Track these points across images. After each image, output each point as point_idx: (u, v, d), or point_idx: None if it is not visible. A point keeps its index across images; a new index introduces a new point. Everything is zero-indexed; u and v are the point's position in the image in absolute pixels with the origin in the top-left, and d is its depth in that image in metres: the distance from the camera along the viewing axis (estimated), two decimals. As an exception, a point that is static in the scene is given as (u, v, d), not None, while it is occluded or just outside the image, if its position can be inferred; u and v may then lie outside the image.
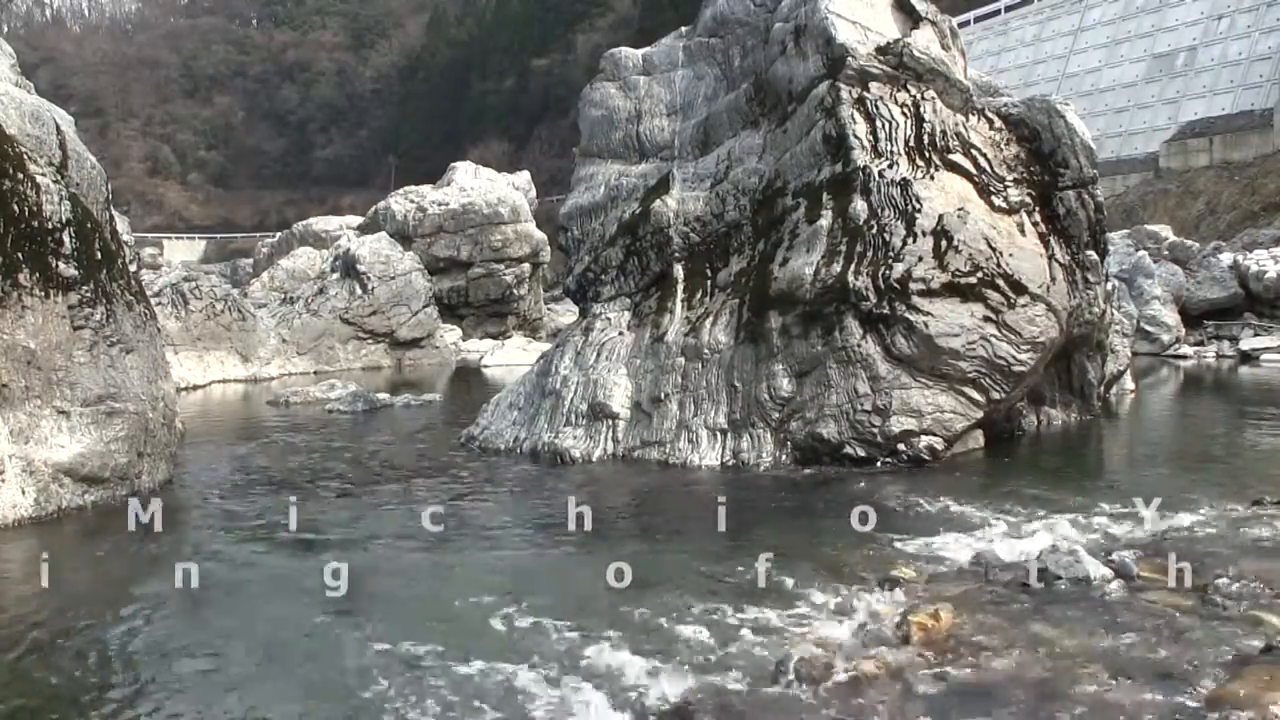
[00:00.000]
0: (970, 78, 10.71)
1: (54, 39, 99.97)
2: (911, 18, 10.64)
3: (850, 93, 9.61)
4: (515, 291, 28.75)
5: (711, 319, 9.81)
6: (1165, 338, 19.50)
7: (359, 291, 22.82)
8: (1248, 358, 18.46)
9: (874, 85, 9.70)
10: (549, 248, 29.09)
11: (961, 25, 28.68)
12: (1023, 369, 8.90)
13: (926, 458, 8.59)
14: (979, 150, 9.68)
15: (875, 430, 8.62)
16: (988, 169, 9.60)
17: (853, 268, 8.95)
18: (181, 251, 69.88)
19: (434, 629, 4.89)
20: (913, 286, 8.73)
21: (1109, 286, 11.14)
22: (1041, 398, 10.57)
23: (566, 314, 26.46)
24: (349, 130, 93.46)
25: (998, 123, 9.99)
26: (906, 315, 8.66)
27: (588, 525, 7.27)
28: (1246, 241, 23.99)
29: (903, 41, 10.05)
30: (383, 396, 15.20)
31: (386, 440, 11.78)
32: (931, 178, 9.32)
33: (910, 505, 7.14)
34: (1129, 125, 37.23)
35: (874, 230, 9.07)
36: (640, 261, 10.74)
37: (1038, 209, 9.67)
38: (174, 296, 19.62)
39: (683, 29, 12.21)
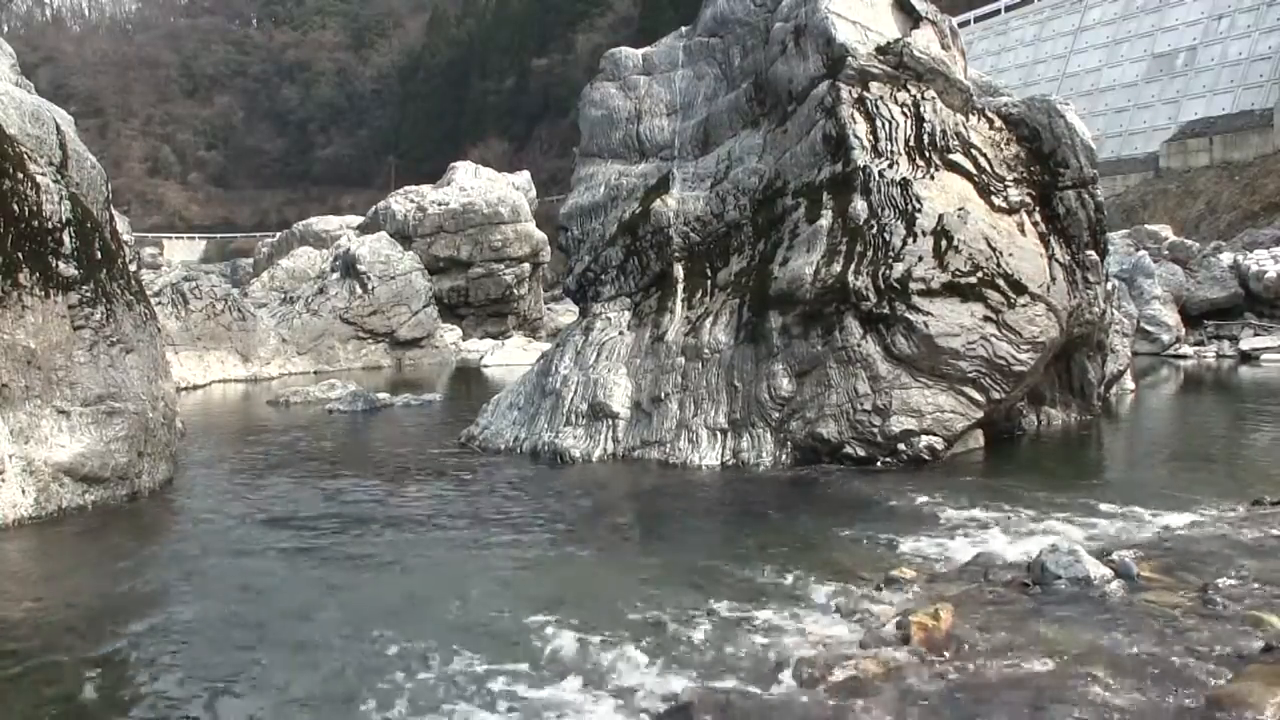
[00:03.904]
0: (970, 78, 10.71)
1: (54, 39, 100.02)
2: (911, 17, 10.64)
3: (850, 92, 9.61)
4: (515, 291, 28.76)
5: (711, 319, 9.81)
6: (1165, 337, 19.50)
7: (359, 291, 22.82)
8: (1248, 358, 18.46)
9: (874, 85, 9.70)
10: (549, 248, 29.11)
11: (961, 25, 28.69)
12: (1023, 369, 8.90)
13: (926, 457, 8.59)
14: (979, 150, 9.68)
15: (875, 430, 8.62)
16: (988, 169, 9.60)
17: (853, 267, 8.95)
18: (181, 251, 69.97)
19: (432, 626, 4.89)
20: (913, 286, 8.73)
21: (1109, 286, 11.13)
22: (1041, 397, 10.57)
23: (566, 314, 26.47)
24: (349, 130, 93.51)
25: (998, 123, 9.99)
26: (906, 315, 8.66)
27: (587, 525, 7.27)
28: (1246, 241, 24.00)
29: (903, 41, 10.04)
30: (383, 396, 15.20)
31: (386, 440, 11.78)
32: (931, 177, 9.32)
33: (910, 505, 7.14)
34: (1129, 125, 37.24)
35: (874, 230, 9.07)
36: (640, 261, 10.74)
37: (1038, 209, 9.67)
38: (174, 296, 19.63)
39: (683, 29, 12.20)
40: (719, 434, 9.19)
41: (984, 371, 8.77)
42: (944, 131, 9.59)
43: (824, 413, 8.78)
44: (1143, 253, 20.95)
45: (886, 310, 8.72)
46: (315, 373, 20.75)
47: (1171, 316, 19.88)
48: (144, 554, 6.70)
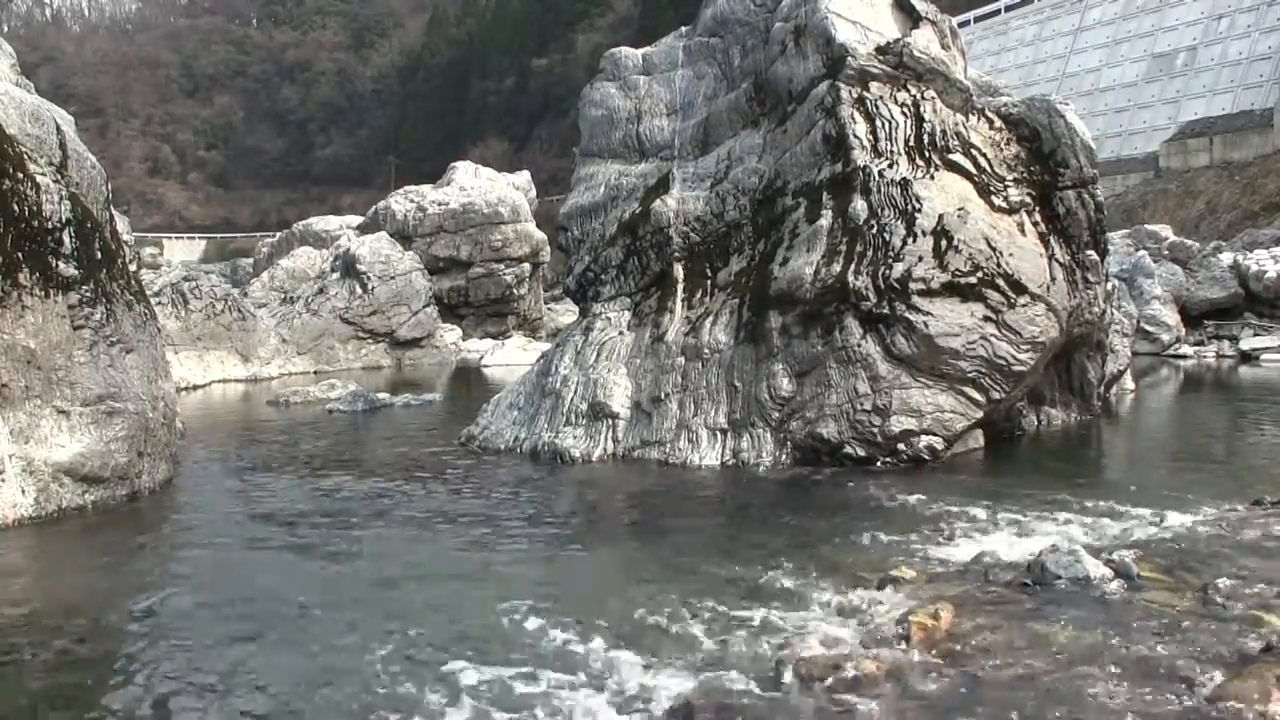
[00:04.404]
0: (970, 78, 10.71)
1: (54, 39, 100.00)
2: (911, 17, 10.64)
3: (850, 92, 9.61)
4: (515, 291, 28.76)
5: (711, 319, 9.81)
6: (1165, 337, 19.50)
7: (359, 291, 22.83)
8: (1248, 358, 18.46)
9: (874, 85, 9.70)
10: (549, 248, 29.10)
11: (961, 25, 28.69)
12: (1023, 369, 8.90)
13: (926, 457, 8.59)
14: (979, 150, 9.68)
15: (875, 430, 8.62)
16: (988, 169, 9.60)
17: (853, 267, 8.95)
18: (181, 251, 69.96)
19: (432, 627, 4.89)
20: (913, 286, 8.73)
21: (1109, 286, 11.13)
22: (1041, 397, 10.57)
23: (566, 314, 26.48)
24: (349, 130, 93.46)
25: (998, 122, 9.99)
26: (906, 315, 8.66)
27: (587, 525, 7.27)
28: (1246, 241, 23.99)
29: (903, 41, 10.04)
30: (383, 396, 15.20)
31: (386, 440, 11.78)
32: (931, 177, 9.32)
33: (910, 505, 7.14)
34: (1129, 125, 37.23)
35: (874, 230, 9.07)
36: (640, 261, 10.74)
37: (1038, 209, 9.67)
38: (174, 296, 19.64)
39: (683, 29, 12.21)
40: (719, 434, 9.19)
41: (984, 371, 8.77)
42: (944, 131, 9.59)
43: (824, 413, 8.78)
44: (1143, 253, 20.94)
45: (886, 310, 8.72)
46: (315, 373, 20.75)
47: (1171, 316, 19.87)
48: (143, 554, 6.70)
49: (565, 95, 60.09)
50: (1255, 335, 19.59)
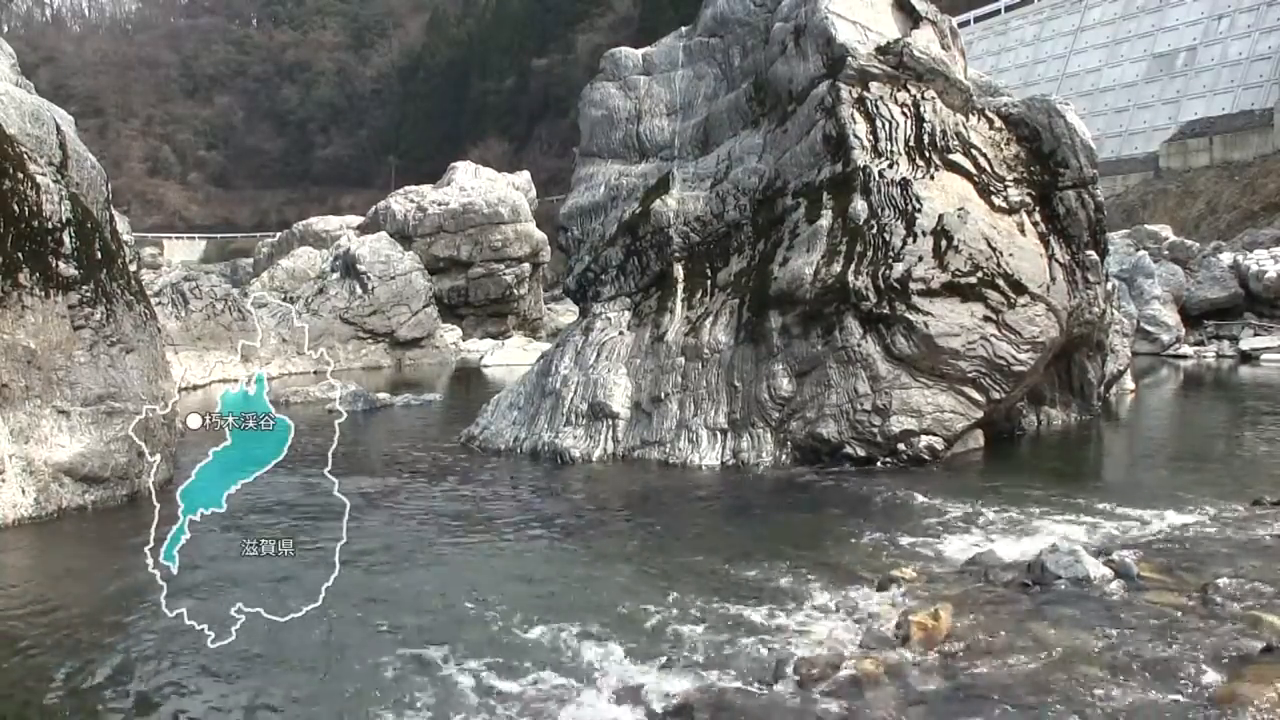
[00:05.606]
0: (970, 78, 10.71)
1: (54, 39, 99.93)
2: (911, 18, 10.64)
3: (850, 92, 9.61)
4: (515, 291, 28.76)
5: (711, 319, 9.81)
6: (1165, 337, 19.50)
7: (359, 291, 22.83)
8: (1248, 357, 18.47)
9: (874, 85, 9.70)
10: (549, 248, 29.11)
11: (961, 25, 28.65)
12: (1023, 369, 8.90)
13: (926, 457, 8.59)
14: (979, 150, 9.68)
15: (875, 430, 8.62)
16: (988, 169, 9.59)
17: (853, 267, 8.95)
18: (181, 251, 69.91)
19: (432, 626, 4.89)
20: (913, 286, 8.73)
21: (1109, 286, 11.13)
22: (1041, 397, 10.57)
23: (566, 314, 26.47)
24: (349, 130, 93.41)
25: (998, 122, 9.99)
26: (906, 315, 8.65)
27: (586, 524, 7.27)
28: (1246, 241, 23.98)
29: (903, 41, 10.04)
30: (383, 396, 15.20)
31: (387, 440, 11.78)
32: (931, 177, 9.32)
33: (910, 505, 7.14)
34: (1129, 125, 37.23)
35: (874, 230, 9.06)
36: (640, 261, 10.74)
37: (1038, 209, 9.67)
38: (174, 296, 19.64)
39: (683, 29, 12.21)
40: (719, 434, 9.19)
41: (984, 371, 8.76)
42: (944, 131, 9.59)
43: (824, 413, 8.78)
44: (1143, 253, 20.95)
45: (886, 310, 8.72)
46: (315, 372, 20.74)
47: (1171, 316, 19.88)
48: (142, 555, 6.68)
49: (565, 95, 60.03)
50: (1255, 335, 19.59)
